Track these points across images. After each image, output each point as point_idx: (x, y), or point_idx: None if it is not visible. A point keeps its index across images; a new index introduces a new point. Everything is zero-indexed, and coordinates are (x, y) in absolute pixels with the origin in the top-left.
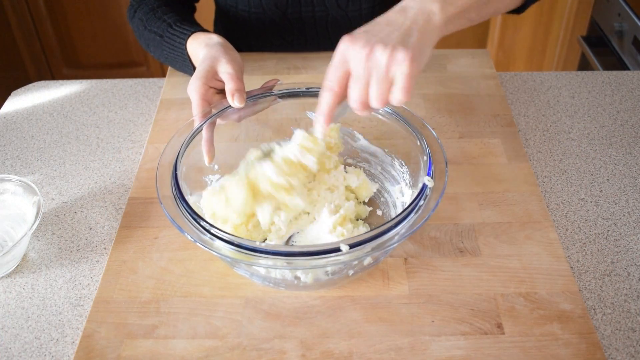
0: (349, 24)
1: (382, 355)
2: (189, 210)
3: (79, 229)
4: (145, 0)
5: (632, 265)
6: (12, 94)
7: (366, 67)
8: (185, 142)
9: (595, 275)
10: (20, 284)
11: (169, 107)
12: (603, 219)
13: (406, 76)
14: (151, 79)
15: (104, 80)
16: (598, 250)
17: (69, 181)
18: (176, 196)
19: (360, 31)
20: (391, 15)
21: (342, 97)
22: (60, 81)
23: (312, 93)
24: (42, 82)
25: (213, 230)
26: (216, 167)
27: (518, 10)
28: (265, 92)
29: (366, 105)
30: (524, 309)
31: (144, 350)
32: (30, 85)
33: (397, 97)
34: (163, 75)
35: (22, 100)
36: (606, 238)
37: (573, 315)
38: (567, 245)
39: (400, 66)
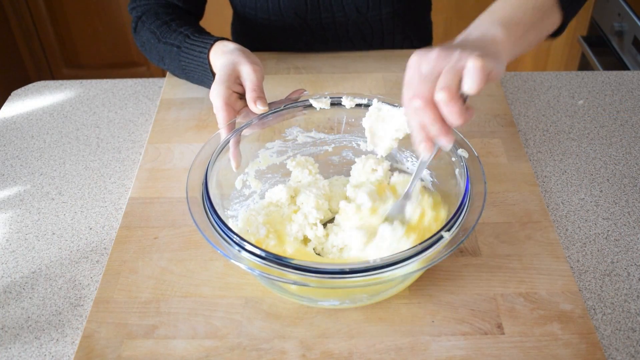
0: (370, 28)
1: (382, 355)
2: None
3: (79, 229)
4: (151, 14)
5: (632, 265)
6: (12, 94)
7: (436, 65)
8: (213, 157)
9: (595, 275)
10: (20, 284)
11: (169, 107)
12: (603, 219)
13: (476, 67)
14: (151, 79)
15: (104, 80)
16: (598, 250)
17: (69, 181)
18: (217, 223)
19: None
20: (453, 43)
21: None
22: (60, 81)
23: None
24: (42, 82)
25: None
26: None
27: (555, 34)
28: (290, 104)
29: (431, 104)
30: (524, 309)
31: (144, 350)
32: (30, 85)
33: (468, 83)
34: (163, 75)
35: (22, 100)
36: (606, 238)
37: (573, 315)
38: (567, 245)
39: (471, 57)
